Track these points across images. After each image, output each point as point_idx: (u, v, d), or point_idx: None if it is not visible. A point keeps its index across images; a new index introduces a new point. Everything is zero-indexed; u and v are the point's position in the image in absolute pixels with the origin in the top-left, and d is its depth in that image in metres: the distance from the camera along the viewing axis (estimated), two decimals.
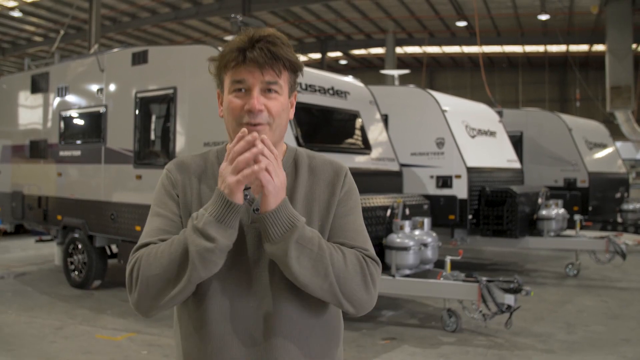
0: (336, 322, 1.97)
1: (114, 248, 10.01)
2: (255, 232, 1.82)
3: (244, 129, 1.70)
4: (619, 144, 21.15)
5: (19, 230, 15.27)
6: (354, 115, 9.25)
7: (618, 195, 15.09)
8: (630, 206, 14.77)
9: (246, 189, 1.80)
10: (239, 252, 1.82)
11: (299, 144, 7.57)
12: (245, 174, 1.64)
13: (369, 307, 1.85)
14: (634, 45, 23.55)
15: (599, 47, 29.50)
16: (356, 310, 1.82)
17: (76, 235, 9.77)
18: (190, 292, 1.75)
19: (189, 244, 1.67)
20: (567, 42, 30.08)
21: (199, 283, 1.75)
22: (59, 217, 10.17)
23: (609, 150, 15.87)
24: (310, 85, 8.47)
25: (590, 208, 13.55)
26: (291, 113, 1.95)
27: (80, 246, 9.70)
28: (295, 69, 1.90)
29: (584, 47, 31.79)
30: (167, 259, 1.71)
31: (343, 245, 1.85)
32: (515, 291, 6.96)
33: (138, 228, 8.58)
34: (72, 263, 9.84)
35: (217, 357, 1.81)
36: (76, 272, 9.77)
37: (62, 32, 15.60)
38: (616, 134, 21.75)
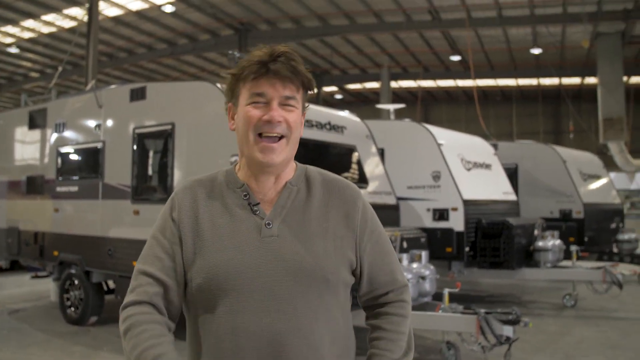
0: (350, 342, 2.00)
1: (111, 284, 9.96)
2: (268, 246, 1.86)
3: None
4: (612, 174, 21.27)
5: (14, 267, 15.19)
6: (351, 150, 9.31)
7: (613, 225, 15.14)
8: (626, 236, 14.83)
9: (255, 204, 1.91)
10: (253, 266, 1.83)
11: None
12: None
13: None
14: (625, 78, 23.83)
15: (591, 80, 29.76)
16: None
17: (73, 271, 9.72)
18: None
19: None
20: (560, 75, 30.38)
21: (211, 298, 1.84)
22: (56, 253, 10.14)
23: (603, 181, 15.96)
24: (307, 121, 8.51)
25: (586, 239, 13.59)
26: (301, 130, 1.98)
27: (76, 282, 9.65)
28: (310, 87, 1.95)
29: (576, 80, 32.08)
30: (131, 349, 1.82)
31: (387, 296, 2.04)
32: (513, 322, 6.95)
33: (135, 263, 8.54)
34: (68, 299, 9.78)
35: None
36: (72, 308, 9.71)
37: (60, 68, 15.68)
38: (610, 165, 21.88)
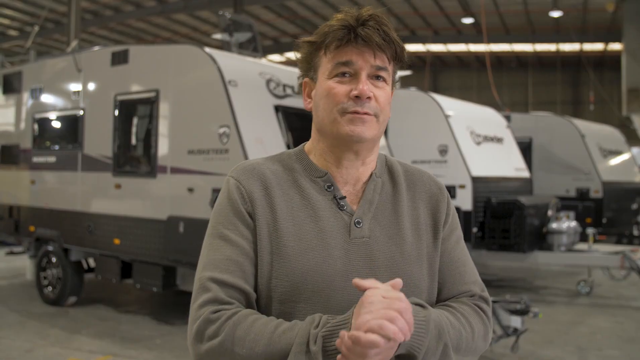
0: None
1: (91, 262, 9.93)
2: (359, 249, 1.67)
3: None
4: (635, 150, 21.15)
5: None
6: None
7: (634, 206, 15.06)
8: None
9: (341, 198, 1.72)
10: (343, 273, 1.63)
11: None
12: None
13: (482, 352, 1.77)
14: None
15: (615, 46, 29.51)
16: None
17: (50, 248, 9.69)
18: None
19: (292, 356, 1.46)
20: (581, 41, 30.08)
21: (288, 310, 1.61)
22: (32, 228, 10.10)
23: (624, 157, 15.87)
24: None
25: (604, 220, 13.53)
26: (389, 111, 1.77)
27: (54, 260, 9.62)
28: (401, 60, 1.76)
29: (598, 46, 31.80)
30: (262, 350, 1.50)
31: (463, 295, 1.77)
32: (522, 313, 6.90)
33: (117, 241, 8.52)
34: (45, 278, 9.76)
35: None
36: (50, 288, 9.68)
37: (36, 27, 15.52)
38: (632, 139, 21.77)
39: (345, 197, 1.72)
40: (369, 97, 1.65)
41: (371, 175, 1.78)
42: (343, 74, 1.67)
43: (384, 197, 1.77)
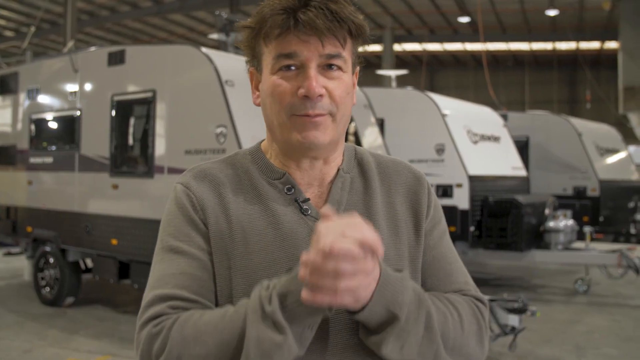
0: None
1: (89, 262, 9.93)
2: None
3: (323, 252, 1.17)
4: (632, 148, 21.18)
5: None
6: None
7: (631, 204, 15.08)
8: None
9: (303, 201, 1.52)
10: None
11: None
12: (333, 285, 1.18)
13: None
14: None
15: (612, 45, 29.60)
16: None
17: (47, 248, 9.68)
18: None
19: (249, 329, 1.27)
20: (577, 39, 30.15)
21: None
22: (29, 229, 10.09)
23: (621, 155, 15.89)
24: None
25: (601, 219, 13.55)
26: (354, 95, 1.54)
27: (51, 260, 9.61)
28: (360, 34, 1.47)
29: (595, 45, 31.88)
30: (215, 345, 1.30)
31: (450, 293, 1.53)
32: (519, 311, 6.91)
33: (114, 241, 8.52)
34: (43, 278, 9.75)
35: None
36: (47, 289, 9.68)
37: (32, 28, 15.51)
38: (629, 137, 21.84)
39: (309, 200, 1.51)
40: (320, 95, 1.41)
41: (338, 171, 1.57)
42: (288, 67, 1.42)
43: (354, 195, 1.55)
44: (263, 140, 1.63)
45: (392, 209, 1.57)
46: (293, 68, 1.42)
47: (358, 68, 1.56)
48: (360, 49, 1.55)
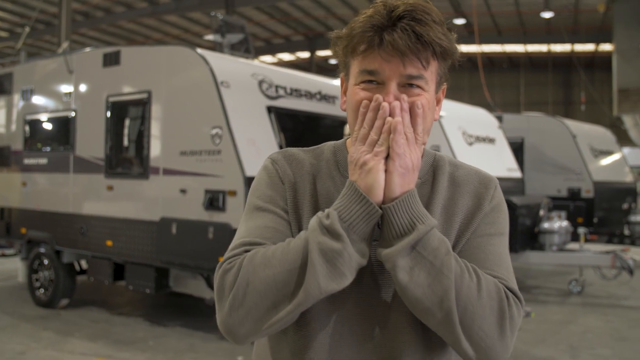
0: None
1: (83, 264, 9.92)
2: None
3: (377, 97, 1.46)
4: (626, 150, 21.26)
5: None
6: (343, 122, 9.23)
7: (625, 206, 15.15)
8: (638, 218, 14.84)
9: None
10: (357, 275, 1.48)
11: None
12: (382, 142, 1.43)
13: (501, 358, 1.47)
14: None
15: (606, 47, 29.64)
16: (479, 357, 1.46)
17: (42, 250, 9.67)
18: (299, 312, 1.45)
19: (311, 243, 1.41)
20: (572, 42, 30.22)
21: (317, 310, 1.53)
22: (23, 231, 10.08)
23: (615, 157, 15.95)
24: (295, 90, 8.44)
25: (595, 220, 13.59)
26: (437, 112, 1.65)
27: (46, 262, 9.60)
28: (447, 56, 1.57)
29: (589, 47, 31.95)
30: (281, 266, 1.43)
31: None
32: None
33: (109, 243, 8.52)
34: (37, 280, 9.74)
35: None
36: (42, 290, 9.67)
37: (27, 29, 15.47)
38: (623, 139, 21.90)
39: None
40: None
41: None
42: (370, 81, 1.53)
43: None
44: (348, 137, 1.69)
45: (453, 204, 1.64)
46: (375, 83, 1.52)
47: (445, 85, 1.66)
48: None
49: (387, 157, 1.44)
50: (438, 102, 1.64)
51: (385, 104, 1.45)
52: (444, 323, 1.42)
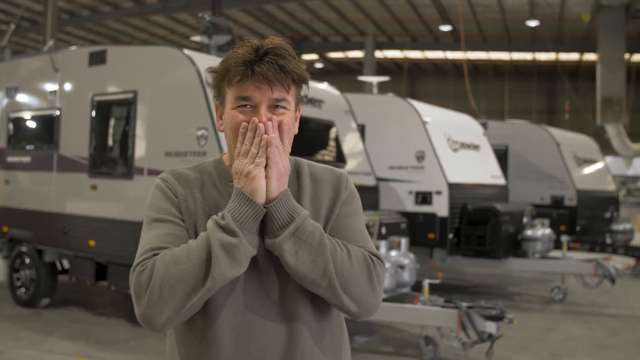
0: (341, 331, 2.08)
1: (65, 264, 9.85)
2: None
3: (253, 120, 1.84)
4: (609, 159, 21.41)
5: None
6: (328, 126, 9.23)
7: (608, 214, 15.24)
8: (621, 226, 14.93)
9: None
10: (250, 265, 1.86)
11: None
12: (261, 154, 1.81)
13: (374, 309, 1.91)
14: (626, 55, 23.88)
15: (590, 56, 29.88)
16: (359, 310, 1.88)
17: (23, 248, 9.59)
18: (207, 298, 1.79)
19: (212, 240, 1.76)
20: (557, 50, 30.42)
21: (207, 300, 1.82)
22: (5, 229, 9.99)
23: (598, 166, 16.05)
24: None
25: (578, 228, 13.66)
26: (295, 127, 2.03)
27: (27, 261, 9.52)
28: (302, 82, 1.97)
29: (574, 56, 32.20)
30: (189, 262, 1.76)
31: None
32: (497, 318, 6.95)
33: (92, 242, 8.46)
34: (18, 279, 9.65)
35: None
36: (22, 289, 9.58)
37: (12, 26, 15.35)
38: (606, 148, 22.03)
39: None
40: None
41: None
42: (245, 105, 1.90)
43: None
44: (224, 154, 2.11)
45: (317, 196, 2.04)
46: (248, 107, 1.90)
47: (300, 105, 2.04)
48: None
49: (265, 166, 1.82)
50: (296, 119, 2.03)
51: (261, 125, 1.83)
52: (328, 289, 1.83)
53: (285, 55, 1.88)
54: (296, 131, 2.03)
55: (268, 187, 1.81)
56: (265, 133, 1.82)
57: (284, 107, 1.91)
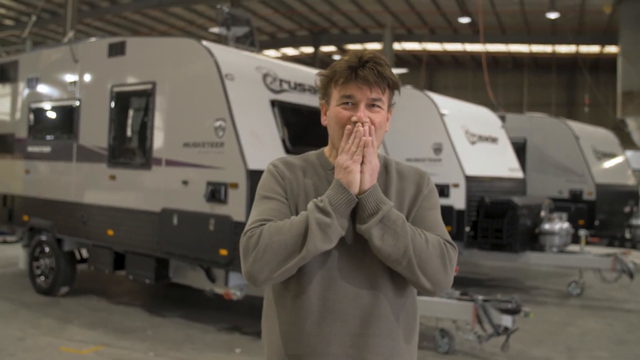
0: (414, 312, 2.39)
1: (84, 252, 9.94)
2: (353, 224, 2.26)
3: (357, 125, 2.19)
4: (629, 153, 21.21)
5: None
6: None
7: (627, 209, 15.11)
8: None
9: None
10: (340, 241, 2.21)
11: (285, 147, 7.54)
12: (359, 151, 2.15)
13: (446, 286, 2.24)
14: None
15: (611, 49, 29.63)
16: (433, 287, 2.21)
17: (43, 237, 9.69)
18: (300, 265, 2.15)
19: (310, 218, 2.12)
20: (577, 43, 30.19)
21: (301, 267, 2.18)
22: (26, 218, 10.09)
23: (618, 160, 15.92)
24: (299, 84, 8.43)
25: (596, 222, 13.56)
26: (387, 126, 2.36)
27: (47, 249, 9.62)
28: (395, 88, 2.33)
29: (594, 49, 31.90)
30: (289, 233, 2.13)
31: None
32: (513, 312, 6.94)
33: (110, 232, 8.53)
34: (38, 267, 9.75)
35: (317, 331, 2.21)
36: (42, 278, 9.69)
37: (33, 17, 15.47)
38: (626, 142, 21.85)
39: None
40: (366, 121, 2.23)
41: None
42: (347, 103, 2.27)
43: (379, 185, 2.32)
44: (326, 147, 2.46)
45: (402, 189, 2.38)
46: (350, 104, 2.27)
47: (392, 108, 2.38)
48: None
49: (361, 163, 2.17)
50: (388, 119, 2.35)
51: (361, 129, 2.17)
52: (407, 267, 2.16)
53: (383, 64, 2.26)
54: (387, 129, 2.36)
55: (362, 180, 2.16)
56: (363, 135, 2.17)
57: (379, 107, 2.27)
